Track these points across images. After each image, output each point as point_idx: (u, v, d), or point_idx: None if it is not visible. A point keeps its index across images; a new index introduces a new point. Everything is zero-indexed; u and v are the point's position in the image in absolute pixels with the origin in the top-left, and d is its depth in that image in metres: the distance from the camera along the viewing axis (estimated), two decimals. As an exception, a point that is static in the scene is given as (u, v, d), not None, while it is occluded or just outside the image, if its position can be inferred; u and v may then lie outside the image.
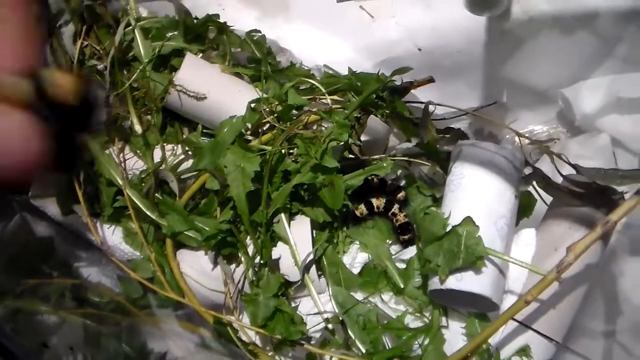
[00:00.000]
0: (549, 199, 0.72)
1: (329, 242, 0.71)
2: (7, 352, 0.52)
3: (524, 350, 0.66)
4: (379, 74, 0.72)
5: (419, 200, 0.75)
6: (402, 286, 0.69)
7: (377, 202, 0.72)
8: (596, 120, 0.90)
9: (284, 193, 0.68)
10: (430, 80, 0.71)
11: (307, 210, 0.70)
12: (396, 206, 0.72)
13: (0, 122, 0.26)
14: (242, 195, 0.66)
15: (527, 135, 0.97)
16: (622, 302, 0.71)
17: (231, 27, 0.83)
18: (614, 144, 0.90)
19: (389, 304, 0.71)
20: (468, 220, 0.64)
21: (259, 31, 0.84)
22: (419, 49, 0.78)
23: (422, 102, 0.71)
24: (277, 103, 0.72)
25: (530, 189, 0.71)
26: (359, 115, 0.69)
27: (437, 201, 0.73)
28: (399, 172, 0.76)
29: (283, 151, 0.69)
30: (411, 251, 0.73)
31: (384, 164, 0.70)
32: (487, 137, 0.97)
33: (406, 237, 0.73)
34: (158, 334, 0.72)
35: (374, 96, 0.70)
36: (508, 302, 0.67)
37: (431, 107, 0.66)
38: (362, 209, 0.72)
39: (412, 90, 0.76)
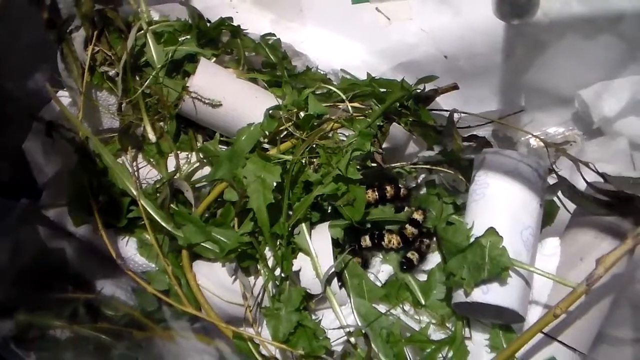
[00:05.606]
0: (571, 206, 0.71)
1: (351, 254, 0.69)
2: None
3: (549, 362, 0.65)
4: (403, 81, 0.70)
5: (439, 208, 0.73)
6: (422, 302, 0.68)
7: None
8: (614, 123, 0.89)
9: (305, 204, 0.66)
10: (455, 87, 0.69)
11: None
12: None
13: None
14: (263, 207, 0.65)
15: (542, 137, 0.96)
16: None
17: (245, 31, 0.82)
18: (631, 148, 0.89)
19: (410, 315, 0.70)
20: (491, 230, 0.63)
21: (274, 34, 0.83)
22: (445, 57, 0.76)
23: (444, 110, 0.69)
24: (295, 110, 0.70)
25: (552, 196, 0.70)
26: (381, 124, 0.67)
27: (458, 209, 0.71)
28: (420, 178, 0.74)
29: (304, 161, 0.67)
30: (432, 261, 0.71)
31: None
32: (501, 140, 0.95)
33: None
34: (174, 348, 0.71)
35: (397, 104, 0.68)
36: (533, 312, 0.66)
37: (455, 115, 0.65)
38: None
39: (434, 97, 0.74)
